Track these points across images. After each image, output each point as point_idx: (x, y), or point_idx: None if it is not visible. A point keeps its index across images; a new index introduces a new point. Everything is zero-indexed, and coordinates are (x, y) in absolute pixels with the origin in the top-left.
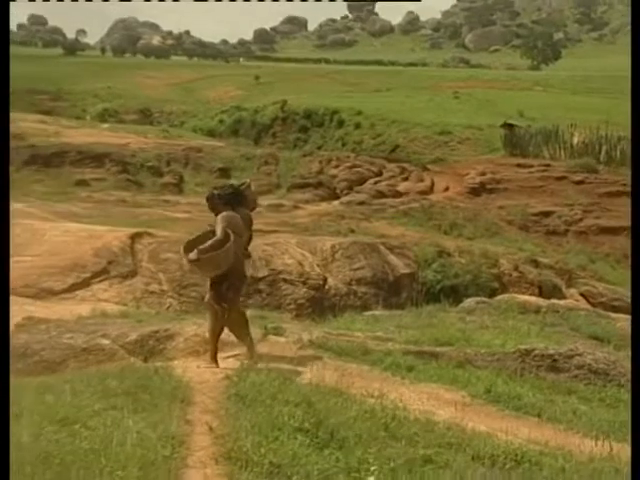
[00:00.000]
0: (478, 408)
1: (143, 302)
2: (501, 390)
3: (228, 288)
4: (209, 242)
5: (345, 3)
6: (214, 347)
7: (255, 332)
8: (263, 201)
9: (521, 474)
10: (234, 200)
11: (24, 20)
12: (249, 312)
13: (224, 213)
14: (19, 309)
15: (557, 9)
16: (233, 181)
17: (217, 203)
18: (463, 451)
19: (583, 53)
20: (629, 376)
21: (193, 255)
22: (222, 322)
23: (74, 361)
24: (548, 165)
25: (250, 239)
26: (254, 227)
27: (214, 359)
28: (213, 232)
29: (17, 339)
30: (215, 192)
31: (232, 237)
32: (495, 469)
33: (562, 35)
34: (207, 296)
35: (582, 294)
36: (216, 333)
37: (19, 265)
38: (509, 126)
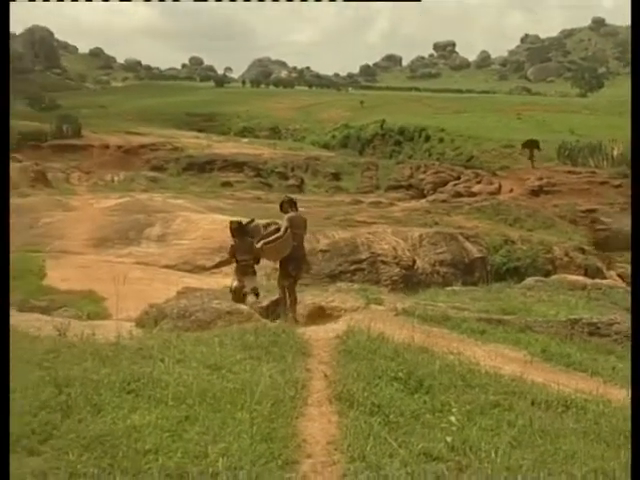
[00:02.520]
0: (536, 364)
1: (272, 277)
2: (554, 350)
3: (293, 269)
4: (273, 236)
5: (432, 44)
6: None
7: (359, 302)
8: (365, 199)
9: (570, 416)
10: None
11: (186, 61)
12: (355, 286)
13: (289, 214)
14: (179, 280)
15: (600, 49)
16: (340, 184)
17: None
18: (524, 398)
19: (621, 84)
20: None
21: (259, 244)
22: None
23: (220, 321)
24: (593, 172)
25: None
26: (359, 219)
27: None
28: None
29: (178, 303)
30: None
31: (289, 232)
32: (549, 412)
33: (605, 69)
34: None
35: (619, 275)
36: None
37: (179, 247)
38: (533, 142)
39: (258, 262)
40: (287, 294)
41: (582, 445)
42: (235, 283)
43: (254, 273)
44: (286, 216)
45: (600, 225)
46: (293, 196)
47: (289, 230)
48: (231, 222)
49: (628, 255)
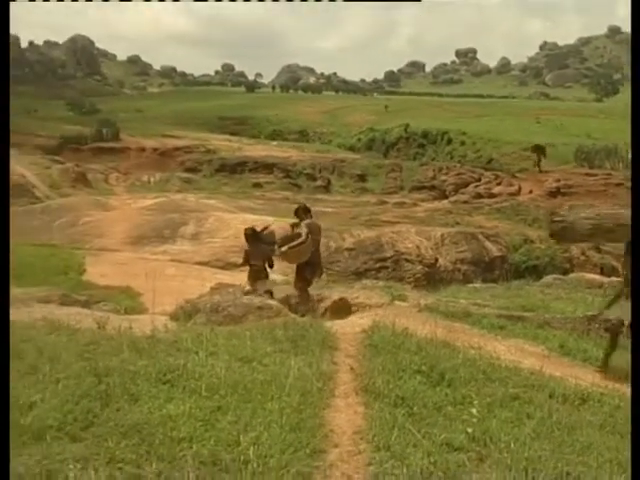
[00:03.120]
0: (554, 359)
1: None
2: (572, 346)
3: (309, 273)
4: (295, 242)
5: (454, 50)
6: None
7: (384, 298)
8: (390, 199)
9: (587, 409)
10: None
11: (219, 68)
12: (379, 283)
13: (307, 221)
14: (212, 277)
15: (616, 56)
16: (366, 185)
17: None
18: (542, 391)
19: None
20: None
21: (284, 249)
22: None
23: (251, 316)
24: (609, 174)
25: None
26: (384, 219)
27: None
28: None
29: (211, 299)
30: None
31: (310, 237)
32: (567, 405)
33: (620, 75)
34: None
35: None
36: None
37: (212, 245)
38: (540, 147)
39: (272, 266)
40: (301, 294)
41: (598, 437)
42: (247, 287)
43: (266, 277)
44: (305, 222)
45: (557, 217)
46: (319, 196)
47: (310, 236)
48: (245, 229)
49: (583, 245)
